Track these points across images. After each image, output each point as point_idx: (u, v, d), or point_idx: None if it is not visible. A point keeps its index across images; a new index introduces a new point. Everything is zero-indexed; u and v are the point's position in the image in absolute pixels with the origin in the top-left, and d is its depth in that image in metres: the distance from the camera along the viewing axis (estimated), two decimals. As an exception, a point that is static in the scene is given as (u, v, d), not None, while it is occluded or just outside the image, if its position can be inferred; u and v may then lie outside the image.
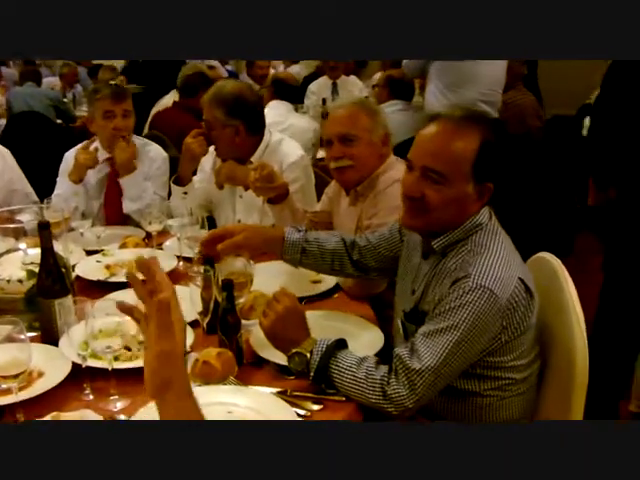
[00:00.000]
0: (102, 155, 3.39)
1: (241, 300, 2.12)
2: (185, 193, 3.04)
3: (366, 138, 2.65)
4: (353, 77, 7.36)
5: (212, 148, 3.33)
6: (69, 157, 3.44)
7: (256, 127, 3.15)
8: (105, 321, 1.89)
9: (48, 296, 2.07)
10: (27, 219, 3.40)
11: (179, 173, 3.24)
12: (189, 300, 2.12)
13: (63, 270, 2.14)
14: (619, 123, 3.17)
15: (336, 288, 2.57)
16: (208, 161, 3.33)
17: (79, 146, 3.41)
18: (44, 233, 2.06)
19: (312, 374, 1.86)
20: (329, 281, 2.59)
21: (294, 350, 1.89)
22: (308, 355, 1.87)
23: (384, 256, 2.31)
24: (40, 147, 6.08)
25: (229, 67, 9.71)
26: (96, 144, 3.40)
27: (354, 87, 7.25)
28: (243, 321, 2.07)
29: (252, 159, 3.13)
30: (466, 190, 1.87)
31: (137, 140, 3.48)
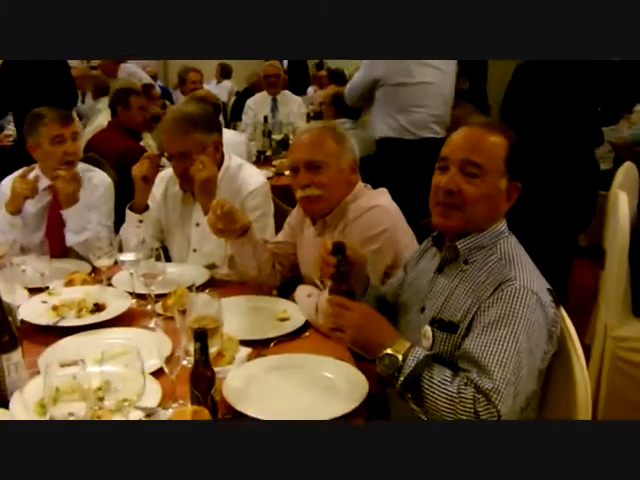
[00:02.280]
0: (43, 183, 3.15)
1: (212, 350, 1.92)
2: (140, 221, 2.82)
3: (334, 165, 2.49)
4: (289, 92, 7.21)
5: (163, 173, 3.13)
6: (4, 186, 3.19)
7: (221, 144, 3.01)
8: (61, 377, 1.70)
9: (-5, 351, 1.85)
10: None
11: (135, 200, 3.01)
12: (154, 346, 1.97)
13: (9, 319, 1.92)
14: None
15: (306, 325, 2.40)
16: (159, 188, 3.12)
17: (16, 174, 3.16)
18: (-11, 282, 1.84)
19: (402, 379, 1.73)
20: (298, 318, 2.42)
21: (385, 352, 1.78)
22: (400, 358, 1.76)
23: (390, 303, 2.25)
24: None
25: (160, 83, 9.47)
26: (36, 172, 3.16)
27: (294, 103, 7.10)
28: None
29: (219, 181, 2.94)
30: (499, 186, 1.90)
31: (80, 166, 3.25)
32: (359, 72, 4.65)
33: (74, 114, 3.31)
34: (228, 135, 4.79)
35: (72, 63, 11.51)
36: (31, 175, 3.11)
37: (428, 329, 1.93)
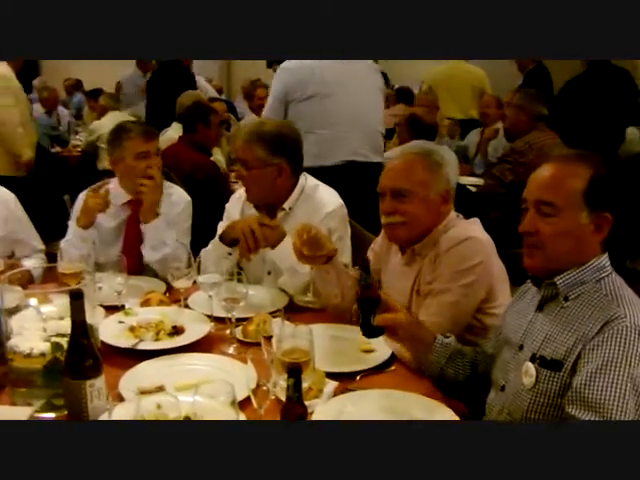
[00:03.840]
0: (121, 198, 3.11)
1: (304, 385, 1.82)
2: (230, 254, 2.73)
3: (421, 194, 2.38)
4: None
5: (239, 193, 3.06)
6: (81, 199, 3.16)
7: (298, 168, 2.92)
8: (146, 406, 1.64)
9: (78, 376, 1.77)
10: (32, 265, 3.14)
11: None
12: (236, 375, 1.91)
13: (93, 341, 1.85)
14: None
15: (392, 359, 2.29)
16: (235, 207, 3.06)
17: (89, 188, 3.14)
18: (76, 304, 1.76)
19: None
20: (383, 350, 2.31)
21: None
22: None
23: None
24: (36, 177, 5.80)
25: (224, 97, 9.49)
26: (110, 186, 3.11)
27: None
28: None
29: (285, 205, 2.89)
30: (579, 220, 1.84)
31: (158, 181, 3.21)
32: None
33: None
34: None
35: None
36: (103, 189, 3.07)
37: (530, 366, 1.86)
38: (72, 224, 3.12)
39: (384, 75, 10.32)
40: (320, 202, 2.89)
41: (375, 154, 3.87)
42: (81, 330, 1.78)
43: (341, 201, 2.96)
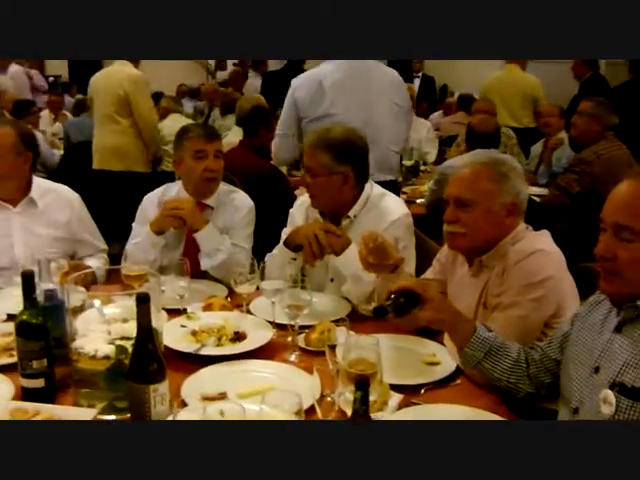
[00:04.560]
0: (184, 201, 3.10)
1: (371, 398, 1.77)
2: (294, 259, 2.71)
3: (484, 205, 2.31)
4: (417, 117, 7.05)
5: (303, 199, 3.03)
6: (147, 202, 3.17)
7: (364, 176, 2.87)
8: (210, 413, 1.62)
9: (142, 381, 1.76)
10: (94, 265, 3.16)
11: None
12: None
13: (158, 347, 1.84)
14: None
15: (457, 372, 2.23)
16: (299, 212, 3.03)
17: (157, 191, 3.15)
18: (142, 307, 1.75)
19: None
20: (448, 363, 2.26)
21: None
22: None
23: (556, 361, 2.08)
24: (97, 179, 5.89)
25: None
26: (177, 189, 3.12)
27: (423, 127, 6.98)
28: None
29: (350, 213, 2.85)
30: None
31: (222, 186, 3.21)
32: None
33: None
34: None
35: (201, 80, 11.84)
36: (171, 194, 3.07)
37: (610, 394, 1.74)
38: (138, 227, 3.13)
39: (431, 81, 10.38)
40: (385, 210, 2.84)
41: (384, 173, 3.83)
42: (147, 334, 1.77)
43: (407, 210, 2.92)
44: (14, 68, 9.20)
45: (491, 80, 7.54)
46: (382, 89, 3.89)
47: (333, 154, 2.76)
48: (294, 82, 3.90)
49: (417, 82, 9.96)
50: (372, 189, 2.90)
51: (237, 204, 3.21)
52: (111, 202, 5.37)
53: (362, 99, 3.81)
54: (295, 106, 3.86)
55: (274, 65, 8.68)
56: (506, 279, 2.28)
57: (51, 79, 12.64)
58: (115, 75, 5.74)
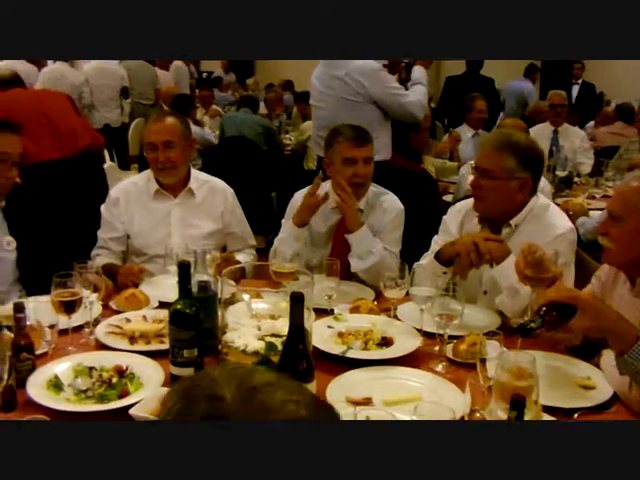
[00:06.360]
0: (333, 202, 3.09)
1: (525, 418, 1.69)
2: (445, 273, 2.64)
3: (633, 221, 2.19)
4: (570, 125, 6.78)
5: (459, 205, 2.96)
6: (297, 199, 3.19)
7: (537, 186, 2.78)
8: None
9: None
10: (243, 259, 3.21)
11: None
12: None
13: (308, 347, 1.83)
14: None
15: (614, 398, 2.09)
16: (454, 220, 2.95)
17: (308, 188, 3.16)
18: (296, 307, 1.75)
19: None
20: (604, 388, 2.13)
21: None
22: None
23: None
24: (248, 173, 6.02)
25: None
26: (326, 188, 3.12)
27: (576, 137, 6.68)
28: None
29: (512, 221, 2.75)
30: None
31: (372, 189, 3.18)
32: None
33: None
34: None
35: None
36: (320, 191, 3.07)
37: None
38: (286, 222, 3.15)
39: (591, 88, 9.93)
40: (550, 223, 2.72)
41: None
42: (299, 334, 1.77)
43: (572, 225, 2.79)
44: (176, 63, 9.58)
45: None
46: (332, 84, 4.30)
47: (519, 158, 2.67)
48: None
49: (576, 89, 9.61)
50: (537, 200, 2.79)
51: (386, 207, 3.16)
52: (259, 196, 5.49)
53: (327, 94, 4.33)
54: None
55: (454, 70, 8.86)
56: None
57: (204, 75, 13.12)
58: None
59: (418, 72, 4.45)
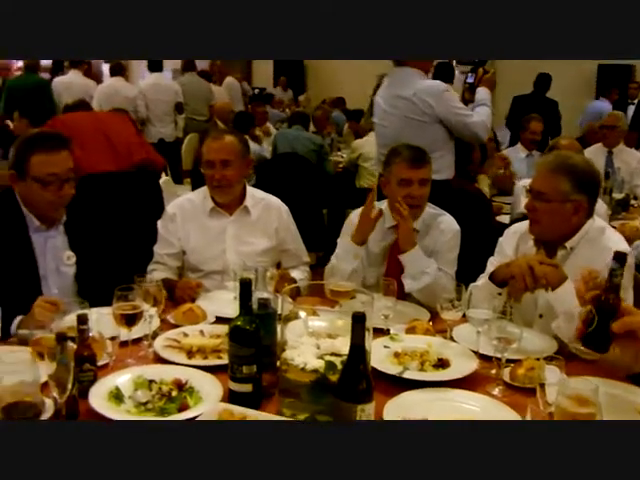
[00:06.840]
0: (389, 221, 3.11)
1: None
2: (500, 294, 2.62)
3: None
4: (626, 147, 6.66)
5: (515, 228, 2.94)
6: (353, 217, 3.20)
7: (593, 209, 2.75)
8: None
9: (350, 399, 1.76)
10: (297, 276, 3.23)
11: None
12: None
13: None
14: None
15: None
16: (509, 242, 2.93)
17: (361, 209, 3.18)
18: (358, 327, 1.75)
19: None
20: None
21: None
22: None
23: None
24: (300, 189, 6.05)
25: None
26: (382, 207, 3.13)
27: (632, 158, 6.56)
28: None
29: (567, 244, 2.72)
30: None
31: (429, 209, 3.19)
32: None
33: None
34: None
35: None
36: (375, 210, 3.09)
37: None
38: (342, 240, 3.17)
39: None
40: (606, 247, 2.68)
41: None
42: (359, 354, 1.77)
43: (629, 248, 2.76)
44: (229, 80, 9.71)
45: None
46: (396, 102, 4.34)
47: (574, 181, 2.66)
48: None
49: (631, 109, 9.47)
50: (593, 222, 2.77)
51: (443, 228, 3.17)
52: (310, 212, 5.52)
53: (387, 110, 4.41)
54: None
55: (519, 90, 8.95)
56: None
57: (256, 91, 13.24)
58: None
59: (482, 93, 4.44)
